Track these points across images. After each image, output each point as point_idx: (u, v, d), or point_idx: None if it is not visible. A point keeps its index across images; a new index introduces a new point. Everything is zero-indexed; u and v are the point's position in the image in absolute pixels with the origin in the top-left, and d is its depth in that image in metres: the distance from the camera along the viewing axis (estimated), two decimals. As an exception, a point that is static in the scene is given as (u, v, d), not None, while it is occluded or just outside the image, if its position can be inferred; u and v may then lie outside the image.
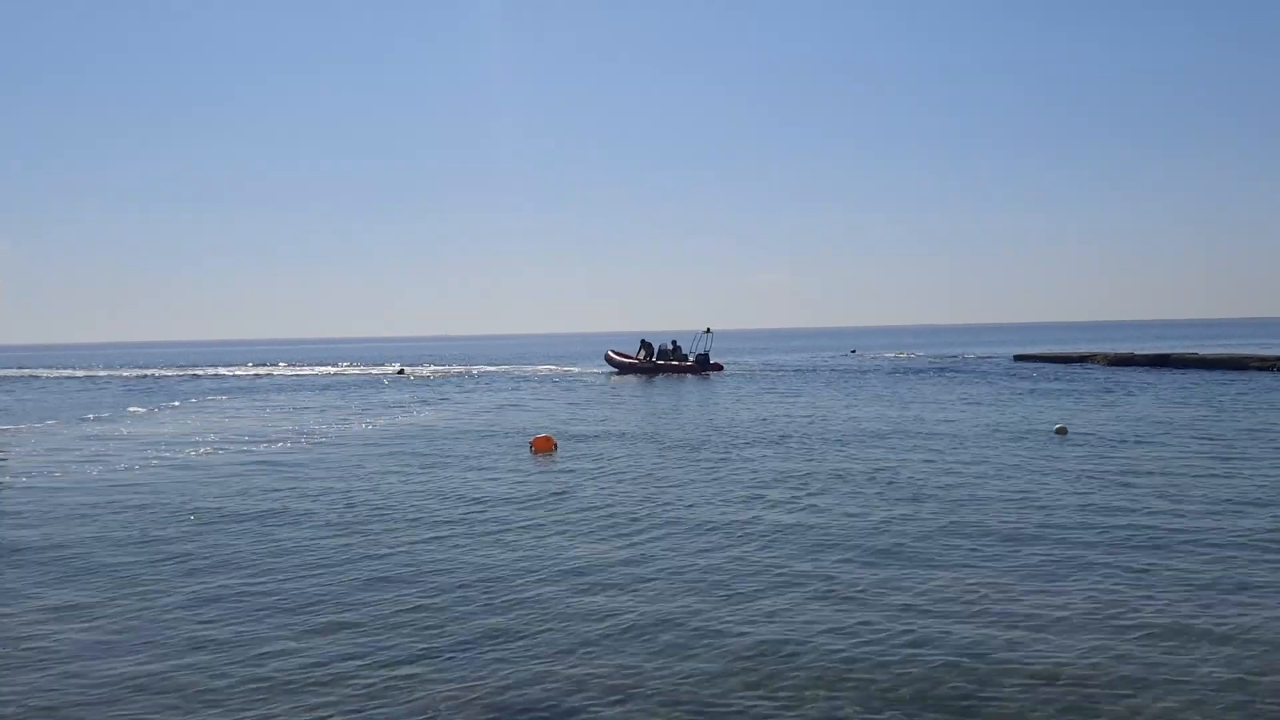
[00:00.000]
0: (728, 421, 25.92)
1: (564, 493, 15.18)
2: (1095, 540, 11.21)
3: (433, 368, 65.82)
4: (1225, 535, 11.36)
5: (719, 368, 51.78)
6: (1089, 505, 13.26)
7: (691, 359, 51.31)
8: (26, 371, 73.40)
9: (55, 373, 70.86)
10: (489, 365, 69.03)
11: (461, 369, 63.35)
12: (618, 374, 51.86)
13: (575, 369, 59.96)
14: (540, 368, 62.98)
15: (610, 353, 55.76)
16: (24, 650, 8.08)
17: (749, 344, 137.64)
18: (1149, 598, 8.95)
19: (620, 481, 16.20)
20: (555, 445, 20.77)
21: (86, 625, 8.71)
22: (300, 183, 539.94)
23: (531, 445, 20.84)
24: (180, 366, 79.96)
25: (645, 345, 53.16)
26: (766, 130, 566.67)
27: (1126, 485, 14.76)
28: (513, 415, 29.33)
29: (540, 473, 17.47)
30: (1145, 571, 9.85)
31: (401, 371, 59.95)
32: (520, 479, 16.71)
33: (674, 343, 52.91)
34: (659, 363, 51.24)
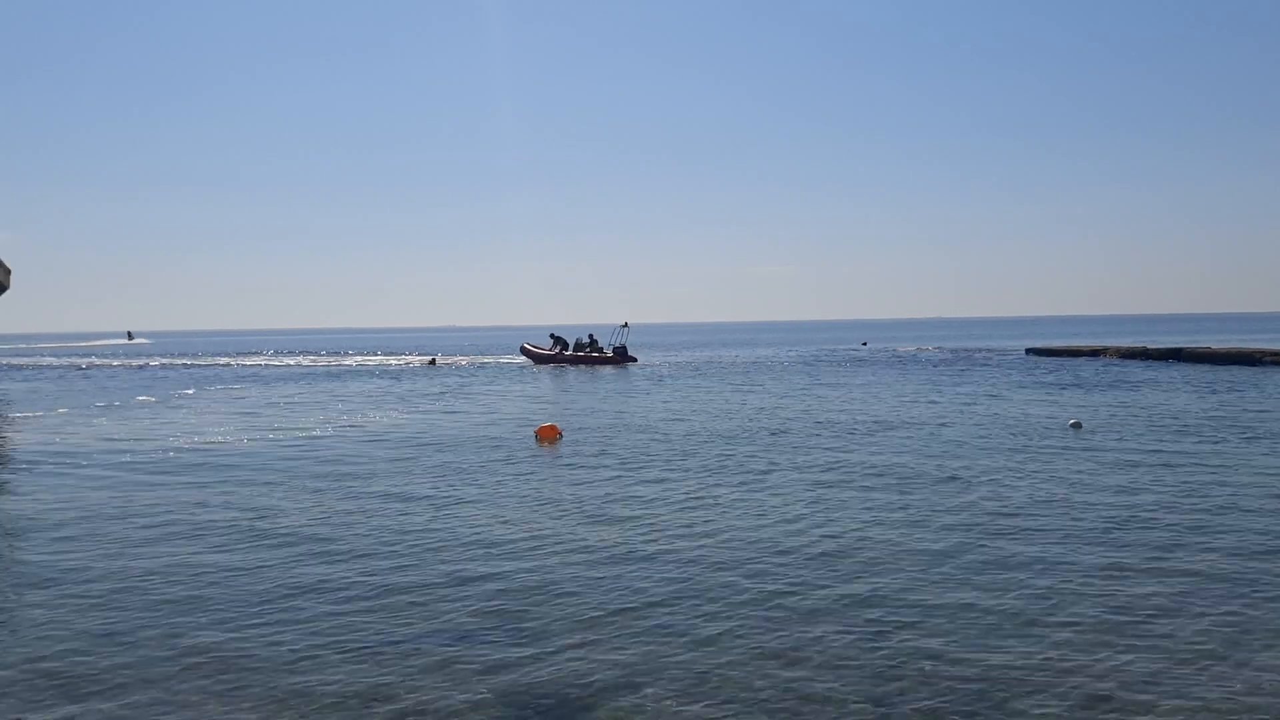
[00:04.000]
0: (703, 413, 25.77)
1: (574, 481, 15.07)
2: (1112, 537, 11.07)
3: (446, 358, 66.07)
4: (1243, 532, 11.20)
5: (634, 360, 53.50)
6: (1107, 502, 13.09)
7: (609, 351, 53.04)
8: (35, 360, 73.66)
9: (63, 361, 71.14)
10: (493, 357, 69.04)
11: (473, 359, 63.47)
12: (534, 365, 53.55)
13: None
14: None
15: (525, 345, 57.15)
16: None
17: (756, 336, 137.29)
18: (1165, 598, 8.80)
19: (623, 469, 16.10)
20: (560, 434, 20.67)
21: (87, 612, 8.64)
22: (304, 173, 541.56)
23: (536, 434, 20.74)
24: (187, 356, 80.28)
25: (558, 340, 54.75)
26: (773, 122, 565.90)
27: (1144, 482, 14.57)
28: (503, 404, 29.23)
29: (547, 462, 17.36)
30: (1164, 570, 9.69)
31: (433, 362, 60.50)
32: (528, 468, 16.63)
33: (591, 336, 54.61)
34: (578, 354, 53.00)
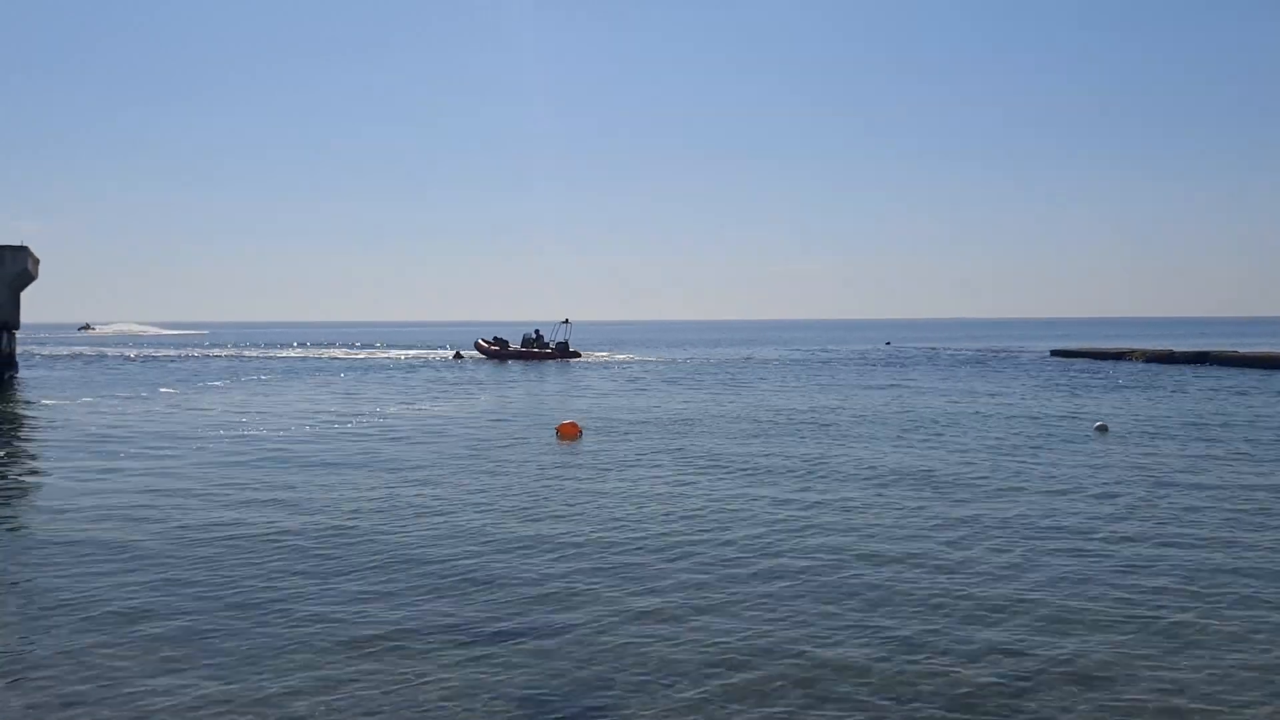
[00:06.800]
0: (712, 410, 25.71)
1: (598, 479, 15.10)
2: (1136, 542, 10.95)
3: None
4: (1270, 538, 11.02)
5: (577, 355, 56.25)
6: (1131, 506, 12.95)
7: (552, 347, 55.74)
8: (64, 350, 74.49)
9: (92, 350, 71.92)
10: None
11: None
12: (485, 359, 55.99)
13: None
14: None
15: (480, 341, 59.83)
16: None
17: (779, 335, 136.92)
18: (1187, 602, 8.69)
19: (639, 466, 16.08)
20: (580, 432, 20.69)
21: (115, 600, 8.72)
22: (326, 167, 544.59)
23: (557, 432, 20.77)
24: (207, 348, 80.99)
25: (498, 341, 57.63)
26: (798, 122, 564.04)
27: (1169, 486, 14.40)
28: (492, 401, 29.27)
29: (571, 460, 17.41)
30: (1188, 575, 9.57)
31: (459, 355, 61.04)
32: (552, 466, 16.68)
33: (536, 331, 57.74)
34: (522, 350, 55.69)
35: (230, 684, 6.79)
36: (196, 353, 69.39)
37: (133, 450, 18.45)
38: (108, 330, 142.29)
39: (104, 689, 6.73)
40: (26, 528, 11.98)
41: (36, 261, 39.89)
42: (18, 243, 38.25)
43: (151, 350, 74.16)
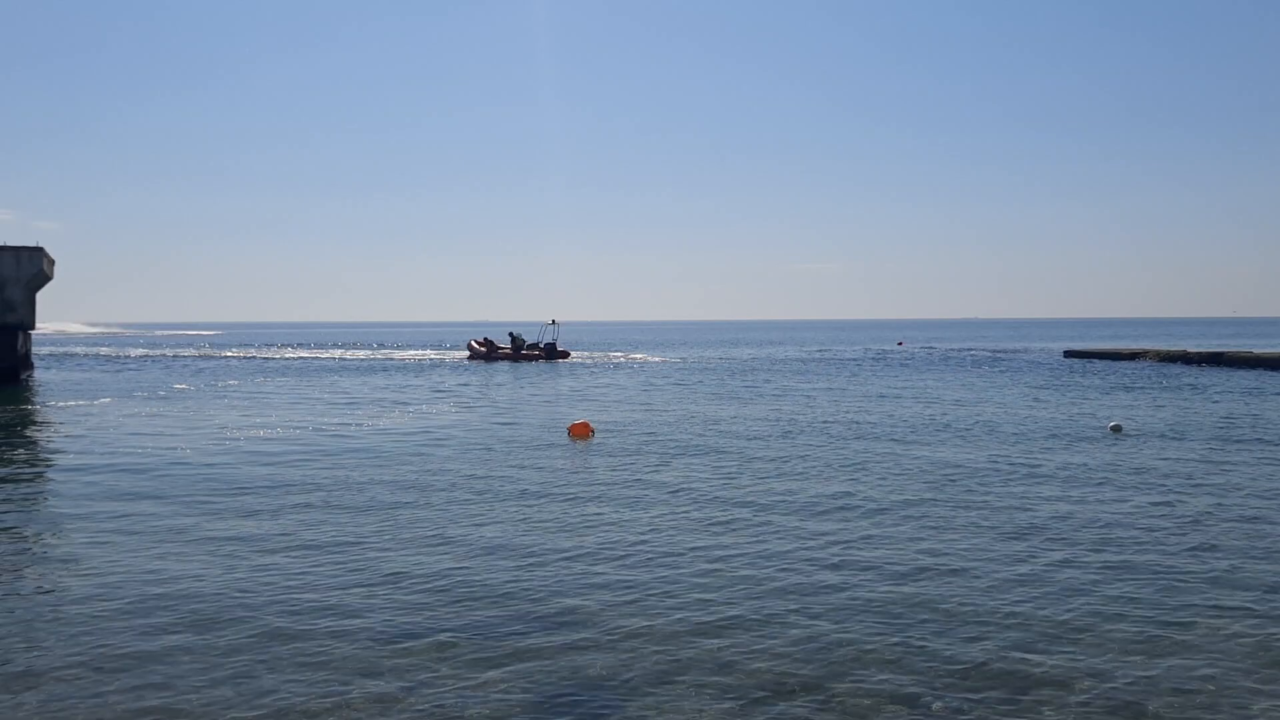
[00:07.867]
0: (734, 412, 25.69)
1: (611, 479, 15.13)
2: (1154, 544, 10.93)
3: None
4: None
5: (566, 355, 57.56)
6: (1148, 508, 12.90)
7: (541, 348, 57.06)
8: (79, 350, 74.92)
9: (106, 351, 72.29)
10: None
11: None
12: (473, 358, 58.09)
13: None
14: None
15: (472, 341, 61.63)
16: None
17: (793, 334, 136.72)
18: (1204, 604, 8.67)
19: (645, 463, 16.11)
20: (592, 431, 20.73)
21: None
22: (326, 167, 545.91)
23: (569, 431, 20.80)
24: (216, 348, 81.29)
25: (486, 342, 59.43)
26: (811, 121, 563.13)
27: (1185, 487, 14.34)
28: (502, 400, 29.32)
29: (583, 459, 17.45)
30: (1204, 577, 9.54)
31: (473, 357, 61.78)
32: (565, 465, 16.74)
33: (511, 333, 58.87)
34: (512, 351, 56.85)
35: (233, 677, 6.86)
36: (160, 353, 69.38)
37: (141, 459, 18.56)
38: (45, 330, 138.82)
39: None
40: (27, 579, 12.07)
41: (52, 262, 40.09)
42: (32, 243, 38.48)
43: (145, 350, 74.43)
